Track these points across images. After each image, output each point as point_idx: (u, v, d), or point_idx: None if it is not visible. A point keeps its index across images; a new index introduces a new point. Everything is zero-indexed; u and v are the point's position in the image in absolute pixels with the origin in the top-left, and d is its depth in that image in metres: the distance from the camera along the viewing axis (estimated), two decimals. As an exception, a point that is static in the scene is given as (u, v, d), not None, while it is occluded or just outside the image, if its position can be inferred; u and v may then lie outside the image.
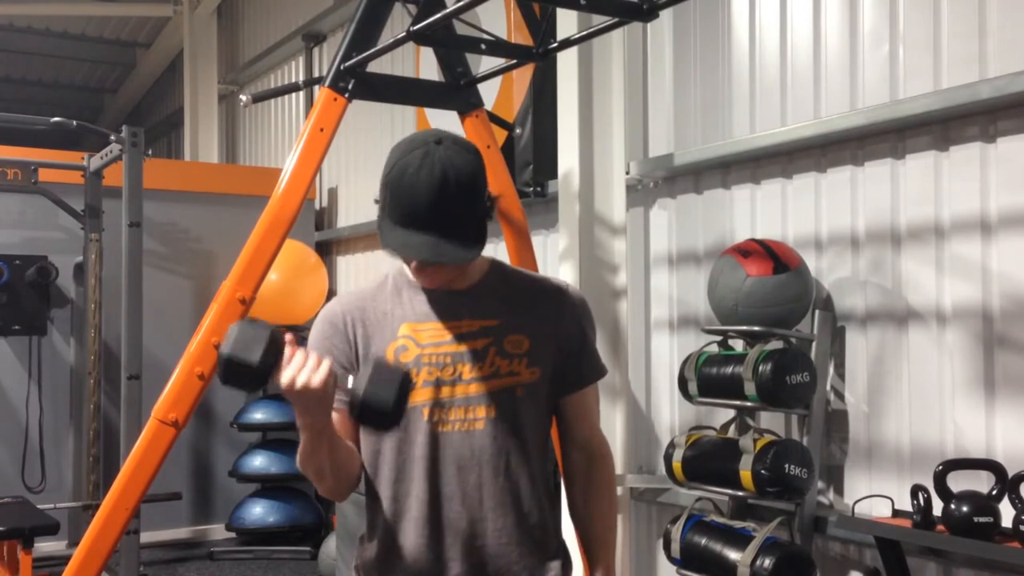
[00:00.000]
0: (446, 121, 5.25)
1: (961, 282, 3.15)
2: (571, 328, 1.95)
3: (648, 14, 2.78)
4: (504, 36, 4.79)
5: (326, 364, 1.65)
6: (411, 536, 1.85)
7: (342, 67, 3.33)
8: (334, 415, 1.80)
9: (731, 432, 3.55)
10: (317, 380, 1.63)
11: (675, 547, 3.50)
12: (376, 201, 1.82)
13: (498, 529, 1.85)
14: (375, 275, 2.00)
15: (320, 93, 3.37)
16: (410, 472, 1.85)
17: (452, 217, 1.74)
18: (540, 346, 1.89)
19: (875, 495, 3.24)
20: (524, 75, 4.83)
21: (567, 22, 3.81)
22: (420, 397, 1.83)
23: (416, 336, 1.86)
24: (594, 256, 4.05)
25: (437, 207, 1.73)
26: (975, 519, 2.78)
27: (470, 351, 1.85)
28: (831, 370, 3.54)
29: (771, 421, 3.66)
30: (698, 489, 3.59)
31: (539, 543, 1.91)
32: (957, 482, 2.87)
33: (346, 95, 3.36)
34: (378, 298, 1.92)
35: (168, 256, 6.65)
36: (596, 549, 1.99)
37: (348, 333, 1.88)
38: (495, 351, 1.86)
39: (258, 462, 6.32)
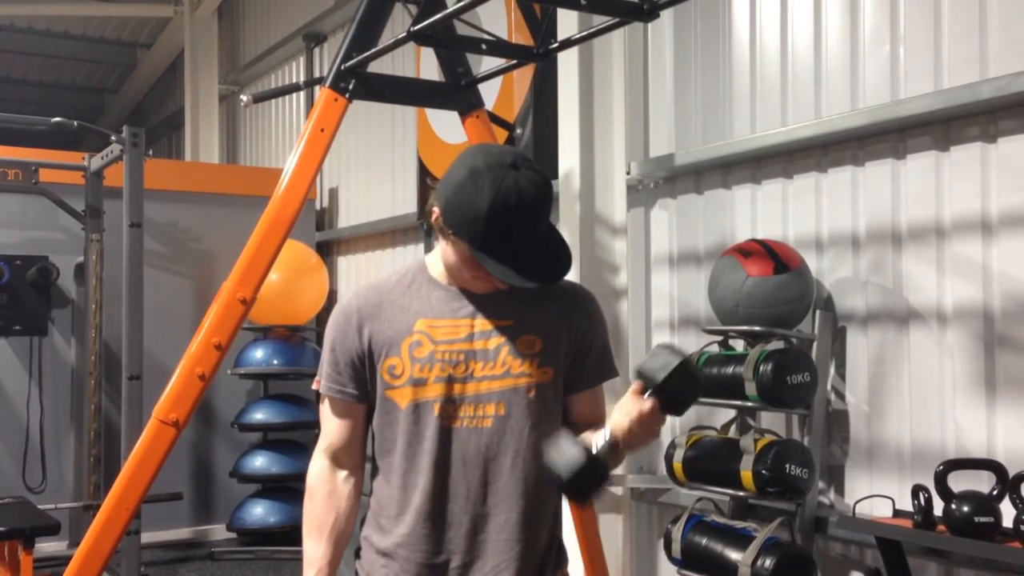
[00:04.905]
0: (447, 121, 5.26)
1: (962, 282, 3.15)
2: (582, 328, 1.98)
3: (649, 14, 2.78)
4: (505, 36, 4.79)
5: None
6: (415, 527, 1.89)
7: (343, 67, 3.33)
8: (341, 404, 1.95)
9: (732, 432, 3.55)
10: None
11: (676, 547, 3.50)
12: (442, 227, 1.84)
13: (500, 525, 1.89)
14: (397, 268, 2.03)
15: (321, 93, 3.37)
16: (419, 465, 1.89)
17: (555, 230, 1.88)
18: (552, 346, 1.93)
19: (876, 495, 3.24)
20: (525, 75, 4.83)
21: (567, 22, 3.81)
22: (432, 393, 1.88)
23: (431, 332, 1.90)
24: (595, 256, 4.05)
25: (544, 226, 1.84)
26: (976, 519, 2.78)
27: (483, 350, 1.89)
28: (832, 370, 3.54)
29: (772, 421, 3.66)
30: (699, 489, 3.59)
31: (539, 540, 1.94)
32: (958, 482, 2.86)
33: (347, 95, 3.36)
34: (396, 292, 1.96)
35: (169, 256, 6.64)
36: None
37: (358, 327, 1.93)
38: (507, 350, 1.89)
39: (259, 462, 6.31)
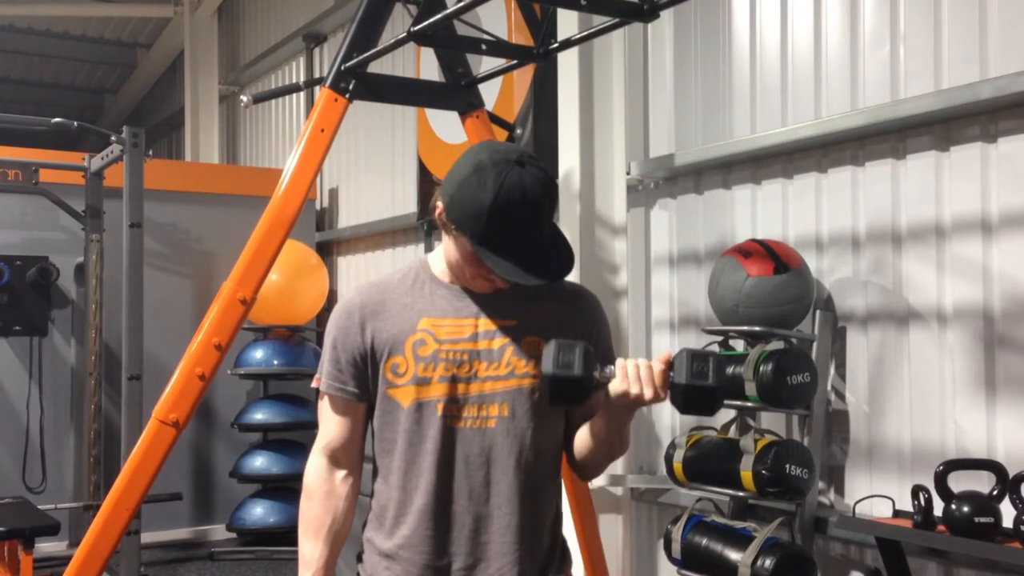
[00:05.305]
0: (447, 121, 5.26)
1: (962, 282, 3.15)
2: (586, 330, 1.97)
3: (649, 14, 2.78)
4: (505, 36, 4.79)
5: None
6: (417, 528, 1.88)
7: (343, 67, 3.33)
8: (341, 402, 1.93)
9: (732, 432, 3.55)
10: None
11: (676, 547, 3.50)
12: (445, 222, 1.84)
13: (503, 527, 1.88)
14: (400, 267, 2.03)
15: (321, 94, 3.37)
16: (420, 465, 1.88)
17: (557, 229, 1.87)
18: None
19: (876, 495, 3.24)
20: (525, 75, 4.83)
21: (567, 22, 3.81)
22: (435, 392, 1.87)
23: (435, 331, 1.89)
24: (595, 256, 4.05)
25: (547, 225, 1.82)
26: (976, 519, 2.78)
27: (487, 349, 1.88)
28: (832, 370, 3.54)
29: (772, 421, 3.66)
30: (699, 489, 3.59)
31: (542, 541, 1.93)
32: (958, 482, 2.86)
33: (347, 95, 3.36)
34: (400, 290, 1.95)
35: (169, 257, 6.65)
36: None
37: (361, 324, 1.92)
38: (512, 351, 1.89)
39: (259, 462, 6.32)
